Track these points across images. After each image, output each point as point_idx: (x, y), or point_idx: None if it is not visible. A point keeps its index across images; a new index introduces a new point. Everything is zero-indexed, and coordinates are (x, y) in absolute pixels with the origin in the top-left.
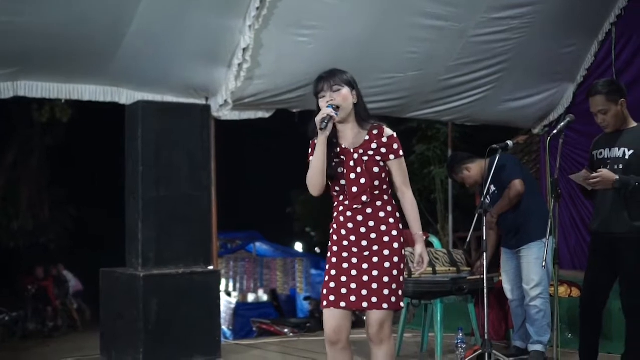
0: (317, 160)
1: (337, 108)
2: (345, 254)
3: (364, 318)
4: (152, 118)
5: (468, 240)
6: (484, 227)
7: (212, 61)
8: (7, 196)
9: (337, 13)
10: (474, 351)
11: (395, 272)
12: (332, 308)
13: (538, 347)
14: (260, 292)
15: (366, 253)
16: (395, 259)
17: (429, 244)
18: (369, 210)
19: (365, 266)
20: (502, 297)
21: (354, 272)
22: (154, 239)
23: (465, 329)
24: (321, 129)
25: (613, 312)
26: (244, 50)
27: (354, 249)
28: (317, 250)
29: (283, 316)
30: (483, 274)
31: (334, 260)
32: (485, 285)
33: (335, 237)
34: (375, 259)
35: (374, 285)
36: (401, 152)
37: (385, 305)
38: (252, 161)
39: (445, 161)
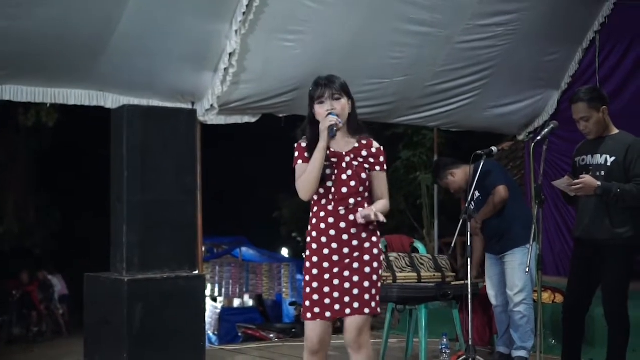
0: (315, 167)
1: (337, 116)
2: (326, 264)
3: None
4: (138, 122)
5: (453, 245)
6: (469, 233)
7: (198, 66)
8: None
9: (324, 18)
10: (458, 356)
11: (374, 277)
12: (318, 320)
13: (522, 353)
14: (246, 297)
15: (347, 260)
16: (375, 265)
17: (414, 250)
18: (351, 217)
19: (346, 273)
20: (486, 303)
21: (336, 282)
22: (138, 244)
23: (450, 335)
24: (332, 137)
25: (595, 319)
26: (230, 54)
27: (335, 257)
28: (304, 255)
29: (269, 321)
30: (469, 280)
31: (314, 272)
32: (470, 290)
33: (315, 246)
34: (355, 265)
35: (355, 291)
36: (385, 167)
37: (366, 310)
38: (239, 166)
39: (431, 167)
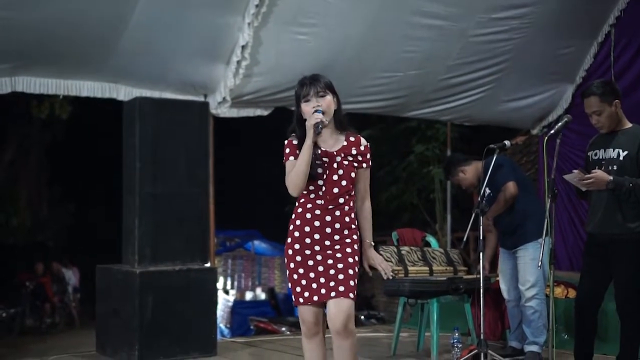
0: (303, 163)
1: (323, 114)
2: (308, 252)
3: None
4: (150, 114)
5: (465, 239)
6: (481, 227)
7: (210, 58)
8: (6, 193)
9: (337, 11)
10: (470, 351)
11: (357, 268)
12: (309, 304)
13: (534, 348)
14: (258, 291)
15: (329, 251)
16: (356, 258)
17: (426, 244)
18: (337, 213)
19: (330, 261)
20: (498, 297)
21: (320, 268)
22: (150, 236)
23: (462, 329)
24: (318, 134)
25: (608, 313)
26: (243, 47)
27: (317, 247)
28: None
29: (280, 315)
30: (482, 274)
31: (298, 258)
32: (482, 285)
33: (297, 234)
34: (338, 255)
35: (340, 276)
36: (370, 163)
37: (351, 295)
38: (251, 159)
39: (444, 161)
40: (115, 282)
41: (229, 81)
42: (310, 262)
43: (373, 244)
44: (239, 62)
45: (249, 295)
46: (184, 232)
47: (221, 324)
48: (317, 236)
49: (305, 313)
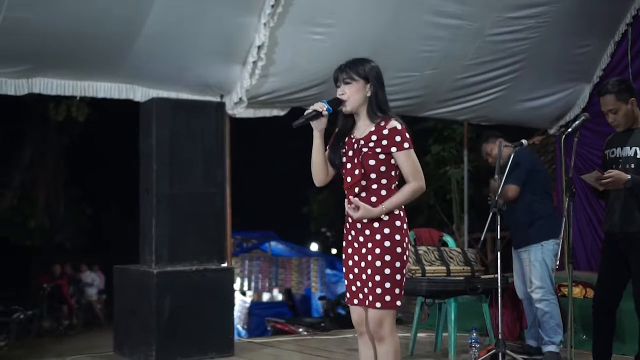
0: (314, 153)
1: (339, 103)
2: (350, 250)
3: None
4: (167, 115)
5: (482, 239)
6: (498, 227)
7: (227, 59)
8: (24, 195)
9: (353, 11)
10: (488, 351)
11: (387, 271)
12: (350, 305)
13: (551, 348)
14: (275, 292)
15: (363, 250)
16: (387, 258)
17: (443, 243)
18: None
19: (363, 264)
20: (516, 297)
21: (356, 270)
22: (167, 236)
23: (479, 329)
24: (302, 122)
25: (626, 313)
26: (259, 47)
27: (355, 245)
28: (333, 250)
29: (297, 316)
30: (499, 273)
31: (343, 256)
32: (499, 284)
33: (344, 231)
34: (369, 257)
35: (369, 284)
36: (406, 145)
37: (378, 304)
38: (268, 160)
39: (460, 161)
40: (132, 283)
41: (245, 81)
42: (350, 262)
43: (382, 208)
44: (255, 63)
45: (265, 297)
46: (201, 232)
47: (238, 325)
48: (353, 232)
49: (352, 312)
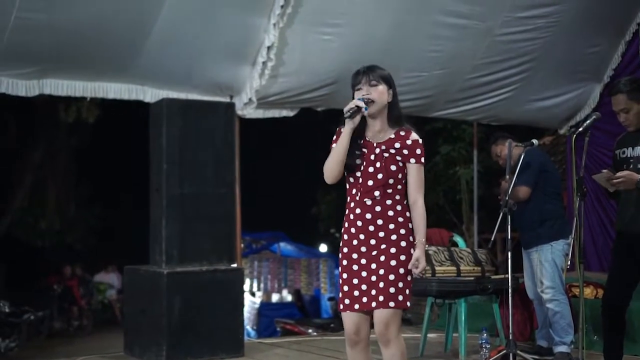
0: (339, 149)
1: (369, 102)
2: (355, 255)
3: None
4: (176, 115)
5: (492, 239)
6: (508, 228)
7: (236, 59)
8: (34, 196)
9: (362, 11)
10: (499, 351)
11: (401, 271)
12: (348, 311)
13: (562, 348)
14: (284, 293)
15: (374, 252)
16: (402, 257)
17: (453, 244)
18: (377, 208)
19: (373, 266)
20: (526, 297)
21: (364, 274)
22: (177, 236)
23: (490, 330)
24: (346, 118)
25: (637, 313)
26: (269, 48)
27: (363, 249)
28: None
29: (307, 316)
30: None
31: (345, 262)
32: (510, 285)
33: (346, 237)
34: (382, 258)
35: (381, 284)
36: (422, 160)
37: (391, 304)
38: (277, 161)
39: (470, 161)
40: (142, 283)
41: (254, 82)
42: (355, 267)
43: (424, 241)
44: (264, 63)
45: (275, 297)
46: (211, 232)
47: (248, 326)
48: (362, 236)
49: (346, 320)
